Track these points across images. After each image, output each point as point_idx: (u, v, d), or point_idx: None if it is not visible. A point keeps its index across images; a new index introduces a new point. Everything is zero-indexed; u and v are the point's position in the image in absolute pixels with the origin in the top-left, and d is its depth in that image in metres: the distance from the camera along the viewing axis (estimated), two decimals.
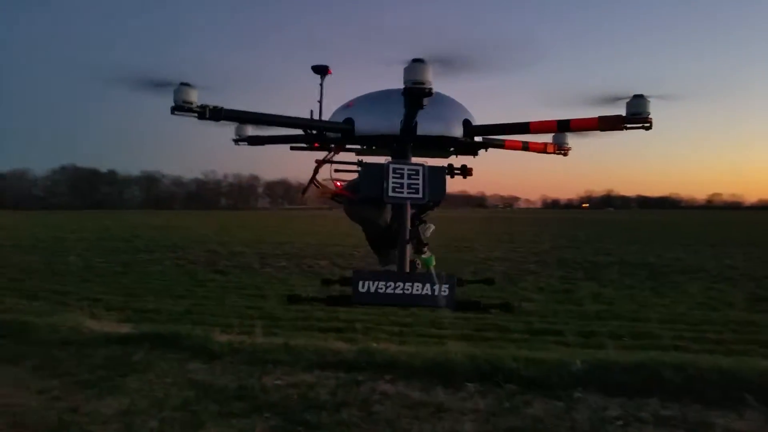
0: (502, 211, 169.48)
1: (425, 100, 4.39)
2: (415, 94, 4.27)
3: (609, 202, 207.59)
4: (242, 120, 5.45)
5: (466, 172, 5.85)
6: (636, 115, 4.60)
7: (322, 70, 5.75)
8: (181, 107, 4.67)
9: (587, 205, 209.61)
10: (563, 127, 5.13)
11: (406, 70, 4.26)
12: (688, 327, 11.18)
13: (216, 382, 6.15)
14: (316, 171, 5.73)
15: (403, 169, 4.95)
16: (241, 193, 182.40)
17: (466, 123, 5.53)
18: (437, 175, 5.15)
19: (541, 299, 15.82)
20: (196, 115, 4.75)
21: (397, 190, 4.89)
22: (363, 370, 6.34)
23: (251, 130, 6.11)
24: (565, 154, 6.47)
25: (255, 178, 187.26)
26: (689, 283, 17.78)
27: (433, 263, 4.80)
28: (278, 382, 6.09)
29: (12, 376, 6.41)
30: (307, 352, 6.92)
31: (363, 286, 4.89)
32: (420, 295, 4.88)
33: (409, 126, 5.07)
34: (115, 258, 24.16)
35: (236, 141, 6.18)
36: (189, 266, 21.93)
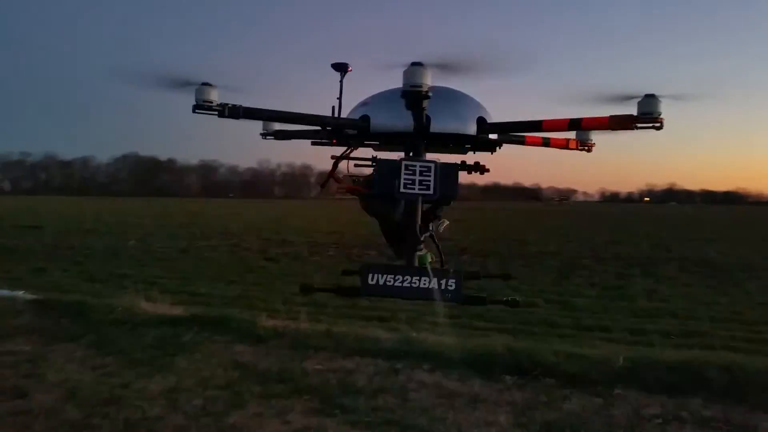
0: (557, 205, 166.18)
1: (425, 102, 4.42)
2: (413, 97, 4.34)
3: (672, 196, 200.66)
4: (260, 117, 5.57)
5: (480, 169, 5.86)
6: (647, 114, 4.54)
7: (341, 68, 5.78)
8: (201, 106, 4.86)
9: (648, 199, 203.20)
10: (575, 125, 5.08)
11: (405, 73, 4.33)
12: (743, 327, 10.78)
13: (259, 364, 6.35)
14: (334, 166, 5.82)
15: (415, 166, 5.01)
16: (295, 183, 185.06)
17: (481, 120, 5.48)
18: (449, 172, 5.17)
19: (593, 295, 15.53)
20: (216, 113, 4.93)
21: (408, 186, 4.95)
22: (402, 358, 6.42)
23: (277, 126, 6.26)
24: (588, 150, 6.30)
25: (308, 168, 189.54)
26: (750, 282, 17.09)
27: (429, 260, 4.82)
28: (319, 366, 6.25)
29: (70, 353, 6.77)
30: (348, 339, 7.05)
31: (372, 279, 4.91)
32: (427, 288, 4.84)
33: (420, 125, 5.13)
34: (173, 243, 25.00)
35: (264, 135, 6.34)
36: (242, 253, 22.50)
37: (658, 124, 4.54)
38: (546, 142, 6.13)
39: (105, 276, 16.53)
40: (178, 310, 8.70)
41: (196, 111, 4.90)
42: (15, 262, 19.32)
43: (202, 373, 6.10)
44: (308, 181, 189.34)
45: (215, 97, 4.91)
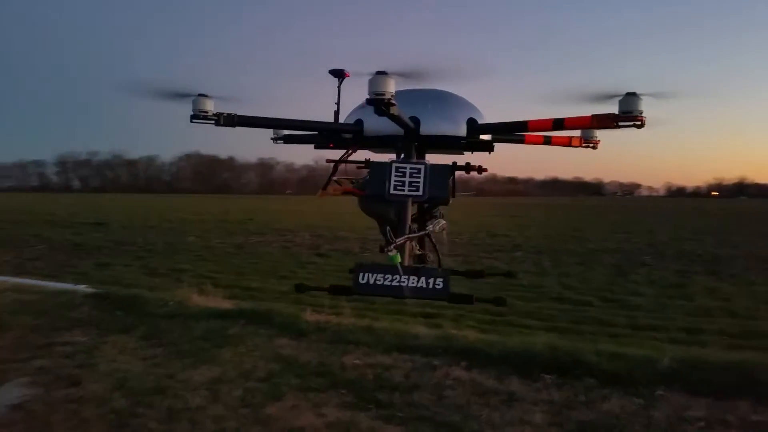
0: (620, 199, 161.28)
1: (393, 109, 4.42)
2: (376, 104, 4.36)
3: (742, 190, 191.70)
4: (255, 125, 5.71)
5: (478, 169, 5.87)
6: (627, 113, 4.55)
7: (339, 74, 5.91)
8: (197, 116, 5.12)
9: (717, 193, 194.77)
10: (558, 125, 5.07)
11: (370, 82, 4.37)
12: None
13: (300, 357, 6.48)
14: (333, 169, 5.99)
15: (405, 168, 5.11)
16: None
17: (471, 122, 5.55)
18: (439, 174, 5.24)
19: (651, 293, 15.06)
20: (212, 122, 5.17)
21: (398, 188, 5.07)
22: (440, 355, 6.42)
23: (286, 131, 6.42)
24: (594, 147, 6.26)
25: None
26: None
27: (398, 260, 4.83)
28: (357, 361, 6.32)
29: (122, 344, 7.07)
30: (388, 335, 7.10)
31: (363, 278, 4.93)
32: (415, 287, 4.83)
33: (406, 129, 5.23)
34: (230, 239, 25.65)
35: (274, 140, 6.50)
36: (295, 249, 22.88)
37: (639, 122, 4.55)
38: (547, 141, 6.15)
39: (164, 270, 17.12)
40: (226, 304, 8.96)
41: (193, 120, 5.15)
42: (81, 257, 20.27)
43: (244, 365, 6.27)
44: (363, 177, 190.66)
45: (211, 106, 5.17)
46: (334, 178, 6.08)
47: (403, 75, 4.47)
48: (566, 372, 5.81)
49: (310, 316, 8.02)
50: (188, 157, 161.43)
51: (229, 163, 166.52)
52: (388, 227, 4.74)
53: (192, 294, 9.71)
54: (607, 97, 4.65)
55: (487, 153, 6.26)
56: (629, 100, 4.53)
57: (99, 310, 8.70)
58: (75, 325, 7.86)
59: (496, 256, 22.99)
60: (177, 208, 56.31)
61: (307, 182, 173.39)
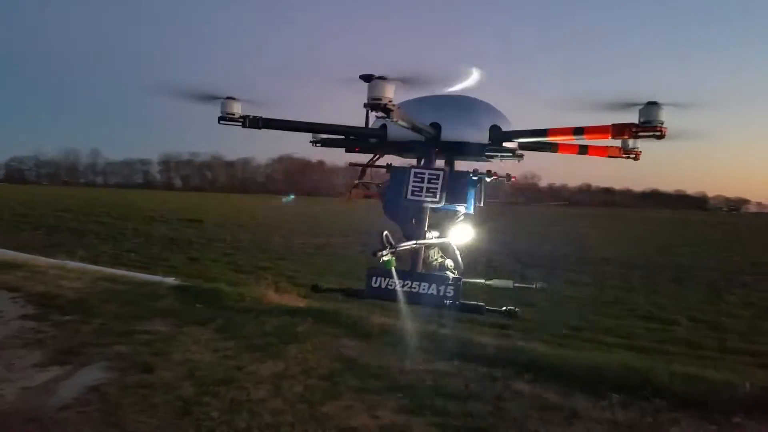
0: (725, 215, 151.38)
1: (393, 115, 4.45)
2: (373, 108, 4.42)
3: None
4: (280, 128, 5.85)
5: (505, 177, 5.80)
6: (647, 123, 4.45)
7: (369, 79, 5.89)
8: (225, 117, 5.43)
9: None
10: (578, 133, 4.93)
11: (369, 87, 4.41)
12: None
13: (361, 358, 6.53)
14: (361, 173, 6.17)
15: (423, 174, 5.14)
16: None
17: (494, 128, 5.45)
18: (459, 181, 5.26)
19: (747, 315, 14.11)
20: (239, 123, 5.44)
21: (416, 193, 5.10)
22: (503, 366, 6.27)
23: (324, 135, 6.47)
24: (636, 158, 5.88)
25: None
26: None
27: (393, 265, 4.71)
28: (418, 366, 6.29)
29: (198, 335, 7.39)
30: (453, 342, 7.02)
31: (375, 282, 5.04)
32: (426, 294, 4.89)
33: (423, 133, 5.25)
34: (313, 240, 26.25)
35: (313, 143, 6.55)
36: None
37: (658, 133, 4.44)
38: (583, 150, 5.94)
39: (249, 268, 17.75)
40: (298, 302, 9.16)
41: (221, 122, 5.47)
42: (174, 251, 21.41)
43: (308, 362, 6.39)
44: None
45: (238, 109, 5.46)
46: (361, 181, 6.12)
47: (404, 81, 4.49)
48: (635, 392, 5.52)
49: (376, 318, 8.06)
50: (281, 159, 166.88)
51: (319, 167, 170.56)
52: (385, 232, 4.74)
53: (268, 291, 10.01)
54: (628, 106, 4.53)
55: (517, 161, 6.13)
56: (650, 109, 4.42)
57: (180, 301, 9.13)
58: (156, 315, 8.28)
59: (582, 269, 22.22)
60: (267, 208, 58.21)
61: None
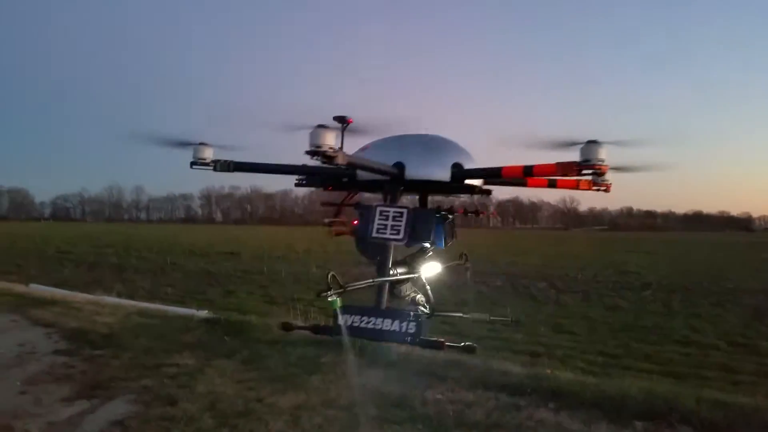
0: None
1: (336, 160, 4.62)
2: (313, 155, 4.58)
3: None
4: (252, 170, 6.15)
5: (475, 212, 6.35)
6: (587, 161, 4.54)
7: (342, 120, 6.05)
8: (196, 162, 5.77)
9: None
10: (528, 172, 5.07)
11: (310, 135, 4.58)
12: None
13: (383, 388, 6.46)
14: (337, 212, 6.35)
15: (388, 212, 5.35)
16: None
17: (456, 166, 5.59)
18: (423, 218, 5.40)
19: None
20: (211, 167, 5.77)
21: (380, 231, 5.32)
22: (528, 395, 6.13)
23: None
24: (606, 191, 5.90)
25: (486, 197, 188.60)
26: None
27: (338, 305, 4.96)
28: (439, 396, 6.19)
29: (223, 367, 7.42)
30: (477, 370, 6.89)
31: (343, 320, 5.28)
32: (389, 330, 5.10)
33: (381, 173, 5.50)
34: (351, 271, 26.29)
35: (296, 184, 6.89)
36: None
37: (599, 171, 4.54)
38: (552, 183, 6.08)
39: (283, 299, 17.90)
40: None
41: (193, 167, 5.83)
42: (211, 285, 21.76)
43: (329, 392, 6.35)
44: (487, 210, 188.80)
45: (209, 154, 5.82)
46: (335, 219, 6.26)
47: (344, 128, 4.87)
48: (661, 419, 5.33)
49: (401, 347, 7.99)
50: (319, 191, 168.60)
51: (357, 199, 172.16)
52: (331, 273, 4.92)
53: (296, 321, 10.04)
54: (571, 144, 4.63)
55: (486, 196, 6.31)
56: (590, 148, 4.52)
57: (209, 334, 9.22)
58: (185, 348, 8.37)
59: (621, 294, 21.75)
60: (304, 239, 58.74)
61: None
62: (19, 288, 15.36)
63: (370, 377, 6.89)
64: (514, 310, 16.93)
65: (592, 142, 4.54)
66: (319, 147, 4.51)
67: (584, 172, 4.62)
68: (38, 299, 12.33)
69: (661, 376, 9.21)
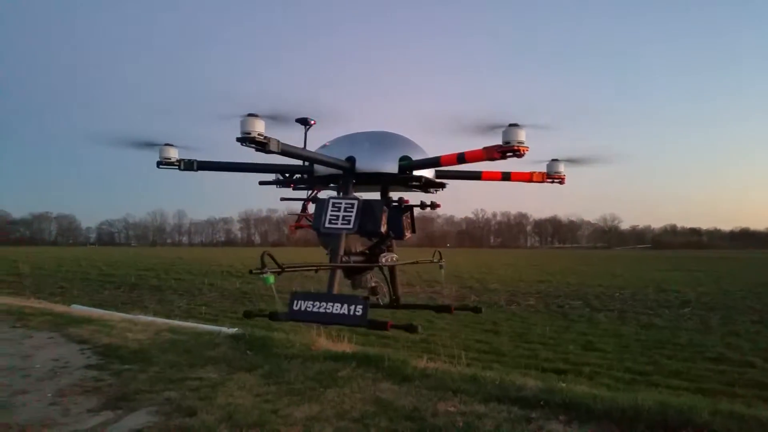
0: None
1: (267, 147, 4.78)
2: (243, 142, 4.72)
3: None
4: (214, 169, 6.38)
5: (431, 205, 6.46)
6: (508, 143, 4.69)
7: (305, 122, 6.34)
8: (162, 162, 5.98)
9: None
10: (461, 159, 5.26)
11: (240, 123, 4.71)
12: None
13: (396, 401, 6.53)
14: (303, 208, 6.50)
15: (340, 203, 5.59)
16: (510, 231, 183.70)
17: (403, 159, 5.85)
18: (372, 209, 5.72)
19: None
20: (176, 167, 6.01)
21: (332, 221, 5.57)
22: (540, 407, 6.13)
23: (275, 176, 6.78)
24: (561, 182, 6.25)
25: (524, 216, 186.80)
26: None
27: (271, 281, 5.07)
28: (451, 408, 6.23)
29: (244, 381, 7.60)
30: (491, 384, 6.92)
31: (296, 305, 5.41)
32: (338, 314, 5.22)
33: (311, 162, 5.94)
34: None
35: (260, 183, 6.89)
36: (441, 300, 22.95)
37: (519, 152, 4.68)
38: (506, 177, 6.34)
39: None
40: (346, 347, 9.27)
41: (159, 166, 6.03)
42: (245, 304, 22.15)
43: (343, 405, 6.46)
44: (524, 229, 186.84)
45: (175, 154, 6.02)
46: (303, 214, 6.46)
47: (273, 118, 4.88)
48: (673, 431, 5.27)
49: (419, 363, 8.06)
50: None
51: None
52: (265, 252, 5.12)
53: (319, 337, 10.20)
54: (495, 128, 4.77)
55: (439, 190, 6.72)
56: (510, 131, 4.68)
57: (233, 349, 9.44)
58: (210, 363, 8.59)
59: (658, 312, 21.29)
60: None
61: (466, 234, 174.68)
62: (60, 308, 15.94)
63: (384, 391, 6.98)
64: (543, 328, 16.78)
65: (513, 125, 4.71)
66: (248, 134, 4.70)
67: (507, 154, 4.76)
68: (76, 318, 12.78)
69: (690, 393, 9.01)
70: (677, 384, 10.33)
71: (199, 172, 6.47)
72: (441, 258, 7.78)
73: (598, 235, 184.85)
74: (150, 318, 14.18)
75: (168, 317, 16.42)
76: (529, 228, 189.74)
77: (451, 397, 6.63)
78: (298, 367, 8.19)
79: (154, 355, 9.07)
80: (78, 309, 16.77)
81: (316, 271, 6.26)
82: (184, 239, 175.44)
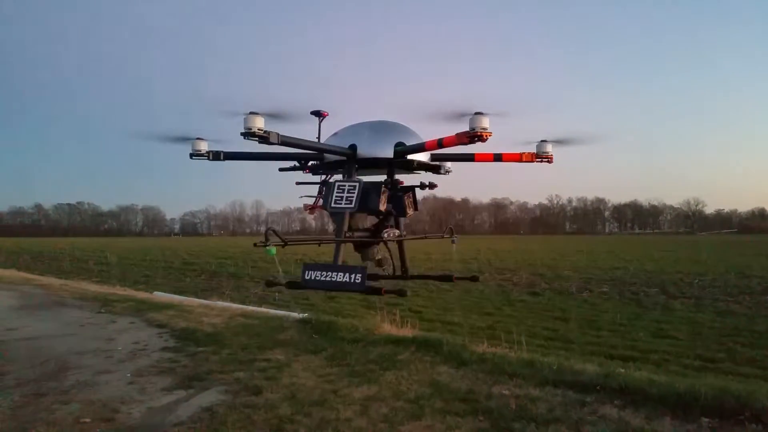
0: None
1: (269, 140, 5.30)
2: (247, 137, 5.20)
3: None
4: (239, 158, 7.15)
5: (429, 185, 7.26)
6: (473, 129, 5.08)
7: (318, 114, 7.00)
8: (194, 154, 6.72)
9: None
10: (440, 144, 5.68)
11: (244, 120, 5.19)
12: None
13: (452, 384, 6.70)
14: (319, 191, 7.02)
15: (344, 185, 6.24)
16: (586, 217, 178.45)
17: (398, 145, 6.39)
18: (371, 190, 6.39)
19: None
20: (206, 158, 6.78)
21: (337, 201, 6.21)
22: (595, 392, 6.14)
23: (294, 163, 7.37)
24: (549, 162, 6.69)
25: (602, 201, 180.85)
26: None
27: (273, 253, 5.49)
28: (505, 391, 6.33)
29: (308, 363, 7.97)
30: (548, 369, 6.95)
31: (308, 275, 5.98)
32: (342, 282, 5.79)
33: (315, 150, 6.60)
34: None
35: (280, 170, 7.50)
36: (509, 287, 22.83)
37: (482, 137, 5.09)
38: (498, 158, 6.87)
39: (381, 304, 18.35)
40: (407, 333, 9.49)
41: (192, 158, 6.78)
42: (316, 291, 22.70)
43: (400, 386, 6.68)
44: (602, 215, 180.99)
45: (205, 147, 6.76)
46: (320, 195, 7.01)
47: (273, 116, 5.40)
48: (731, 417, 5.18)
49: (477, 347, 8.17)
50: (424, 200, 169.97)
51: (463, 205, 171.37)
52: (269, 227, 5.72)
53: (382, 323, 10.46)
54: (462, 116, 5.23)
55: (437, 173, 7.23)
56: (476, 118, 5.10)
57: (301, 333, 9.85)
58: (278, 345, 9.02)
59: (738, 299, 20.36)
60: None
61: (540, 221, 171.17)
62: (143, 295, 16.97)
63: (441, 374, 7.15)
64: (614, 315, 16.41)
65: (478, 113, 5.11)
66: (250, 129, 5.17)
67: (475, 140, 5.17)
68: (157, 304, 13.63)
69: (764, 381, 8.69)
70: (749, 372, 9.94)
71: (227, 161, 7.16)
72: (453, 233, 8.31)
73: (681, 220, 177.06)
74: (226, 304, 14.89)
75: (243, 303, 17.11)
76: (607, 213, 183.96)
77: (506, 380, 6.73)
78: (360, 350, 8.48)
79: (227, 338, 9.59)
80: (159, 295, 17.81)
81: (319, 244, 6.92)
82: (262, 229, 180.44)
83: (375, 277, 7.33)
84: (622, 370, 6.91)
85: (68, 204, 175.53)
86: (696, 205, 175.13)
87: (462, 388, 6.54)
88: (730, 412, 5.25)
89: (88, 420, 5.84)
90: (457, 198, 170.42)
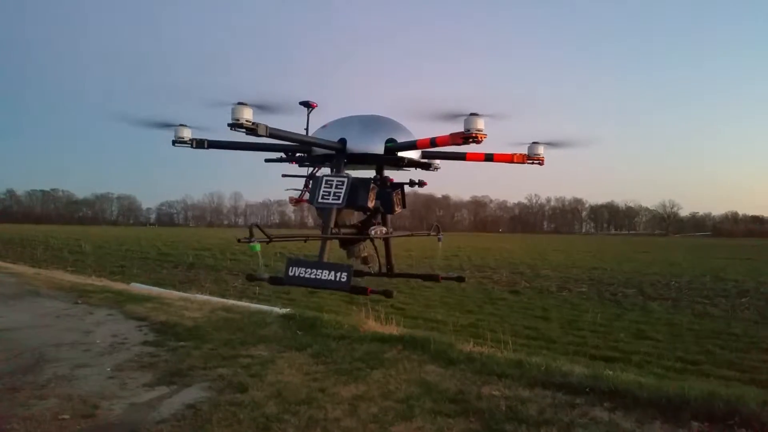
0: None
1: (257, 132, 5.14)
2: (234, 128, 5.08)
3: None
4: (224, 147, 6.93)
5: (419, 183, 7.08)
6: (468, 130, 5.04)
7: (307, 105, 6.84)
8: (177, 141, 6.54)
9: None
10: (433, 143, 5.61)
11: (231, 110, 5.08)
12: None
13: (441, 384, 6.64)
14: (305, 184, 6.92)
15: (332, 181, 6.08)
16: (564, 217, 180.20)
17: (389, 141, 6.28)
18: (360, 185, 6.21)
19: None
20: (189, 146, 6.57)
21: (324, 197, 6.03)
22: (585, 394, 6.12)
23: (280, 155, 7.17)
24: (540, 164, 6.61)
25: (579, 201, 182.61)
26: None
27: (257, 248, 5.33)
28: (495, 392, 6.29)
29: (293, 360, 7.84)
30: (537, 370, 6.93)
31: (291, 271, 5.75)
32: (326, 279, 5.61)
33: (301, 143, 6.32)
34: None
35: (266, 160, 7.29)
36: (489, 285, 22.89)
37: (477, 138, 5.03)
38: (489, 158, 6.69)
39: (364, 300, 18.26)
40: (393, 330, 9.41)
41: (174, 145, 6.58)
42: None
43: (389, 385, 6.60)
44: (579, 215, 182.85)
45: (188, 134, 6.57)
46: (306, 189, 6.92)
47: (260, 107, 5.29)
48: (720, 421, 5.19)
49: (464, 347, 8.12)
50: (406, 196, 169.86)
51: (444, 202, 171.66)
52: (253, 222, 5.50)
53: (367, 320, 10.37)
54: (456, 116, 5.17)
55: (428, 170, 7.08)
56: (470, 119, 5.04)
57: (284, 329, 9.71)
58: (261, 341, 8.88)
59: (714, 302, 20.66)
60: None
61: (519, 220, 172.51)
62: (120, 286, 16.64)
63: (430, 373, 7.08)
64: (594, 316, 16.54)
65: (473, 114, 5.05)
66: (237, 120, 5.06)
67: (470, 140, 5.10)
68: (135, 296, 13.35)
69: (742, 384, 8.78)
70: (729, 374, 10.06)
71: (210, 149, 6.97)
72: (439, 231, 8.13)
73: (657, 221, 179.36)
74: (205, 297, 14.66)
75: (223, 296, 16.90)
76: (584, 214, 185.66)
77: (495, 381, 6.68)
78: (346, 347, 8.38)
79: (208, 332, 9.42)
80: (137, 287, 17.49)
81: (305, 241, 6.85)
82: (240, 221, 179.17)
83: (360, 274, 7.19)
84: (611, 372, 6.90)
85: (42, 191, 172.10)
86: (671, 208, 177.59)
87: (451, 388, 6.48)
88: (720, 417, 5.26)
89: (66, 416, 5.66)
90: (438, 195, 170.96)
